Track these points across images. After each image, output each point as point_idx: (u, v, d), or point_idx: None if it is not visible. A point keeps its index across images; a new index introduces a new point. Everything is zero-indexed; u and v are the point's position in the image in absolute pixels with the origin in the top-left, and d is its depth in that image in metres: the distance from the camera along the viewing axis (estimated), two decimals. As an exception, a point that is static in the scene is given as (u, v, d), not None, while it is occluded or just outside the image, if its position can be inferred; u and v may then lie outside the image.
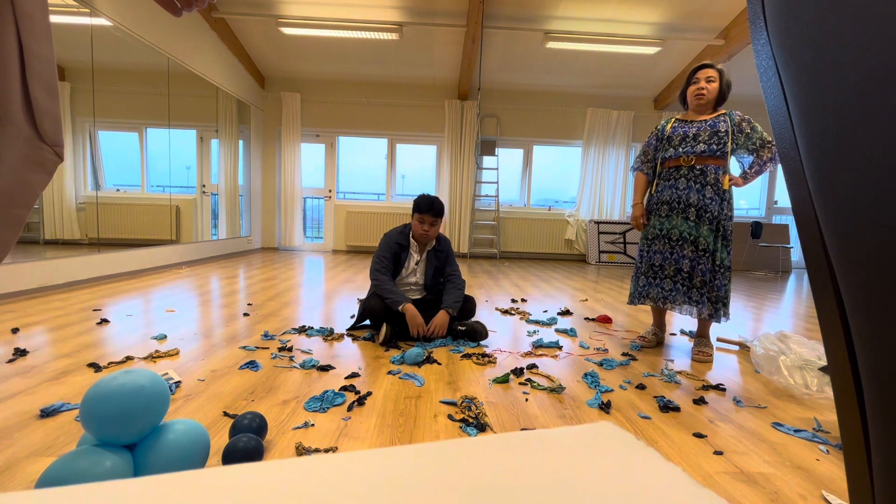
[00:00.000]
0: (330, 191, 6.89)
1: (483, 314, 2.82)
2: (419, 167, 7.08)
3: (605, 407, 1.47)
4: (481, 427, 1.30)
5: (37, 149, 0.56)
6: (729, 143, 1.97)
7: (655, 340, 2.23)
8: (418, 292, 2.36)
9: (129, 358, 1.76)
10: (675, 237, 2.03)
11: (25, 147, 0.54)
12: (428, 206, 2.19)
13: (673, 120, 2.13)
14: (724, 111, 2.03)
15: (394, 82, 6.64)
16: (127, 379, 0.90)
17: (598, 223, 6.72)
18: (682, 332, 2.57)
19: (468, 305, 2.33)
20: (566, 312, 2.93)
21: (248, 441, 1.04)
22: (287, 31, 5.27)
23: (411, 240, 2.32)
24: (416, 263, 2.32)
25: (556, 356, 2.01)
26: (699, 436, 1.31)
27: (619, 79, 6.38)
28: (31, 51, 0.53)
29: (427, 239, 2.28)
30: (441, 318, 2.11)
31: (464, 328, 2.17)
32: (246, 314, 2.60)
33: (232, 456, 1.02)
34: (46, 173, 0.57)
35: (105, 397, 0.86)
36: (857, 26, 0.23)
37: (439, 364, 1.84)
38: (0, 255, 0.54)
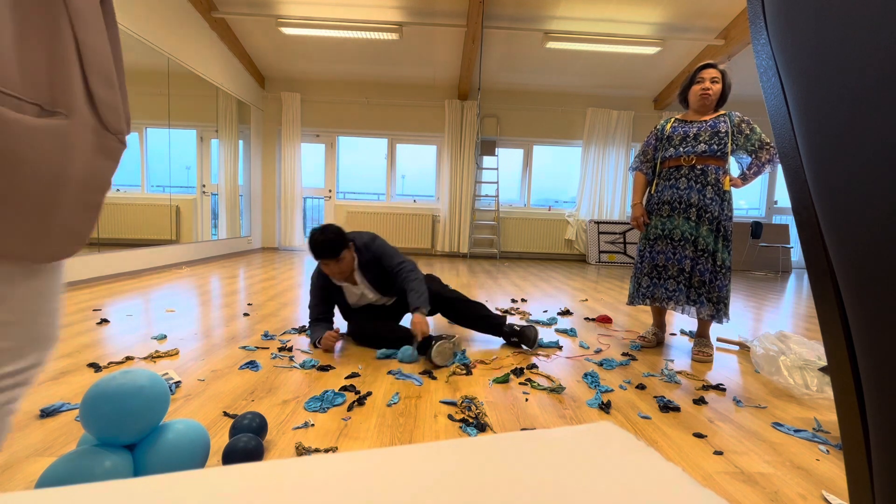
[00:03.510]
0: (330, 191, 6.89)
1: (483, 314, 2.82)
2: (419, 167, 7.09)
3: (605, 407, 1.47)
4: (481, 427, 1.30)
5: (102, 137, 0.58)
6: (729, 144, 1.97)
7: (655, 340, 2.23)
8: (382, 302, 2.18)
9: (129, 358, 1.76)
10: (678, 237, 2.03)
11: (92, 136, 0.57)
12: (316, 253, 1.87)
13: (673, 120, 2.13)
14: (723, 112, 2.03)
15: (394, 82, 6.64)
16: (127, 379, 0.90)
17: (598, 223, 6.72)
18: (682, 332, 2.57)
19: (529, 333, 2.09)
20: (566, 312, 2.93)
21: (248, 441, 1.04)
22: (287, 31, 5.27)
23: (333, 280, 2.05)
24: (357, 288, 2.06)
25: (551, 356, 2.01)
26: (699, 436, 1.31)
27: (619, 79, 6.38)
28: (86, 45, 0.55)
29: (342, 277, 1.99)
30: (417, 318, 1.89)
31: (519, 329, 2.07)
32: (246, 314, 2.60)
33: (232, 456, 1.02)
34: (113, 160, 0.60)
35: (105, 397, 0.86)
36: (856, 26, 0.23)
37: (435, 379, 1.84)
38: (84, 239, 0.58)
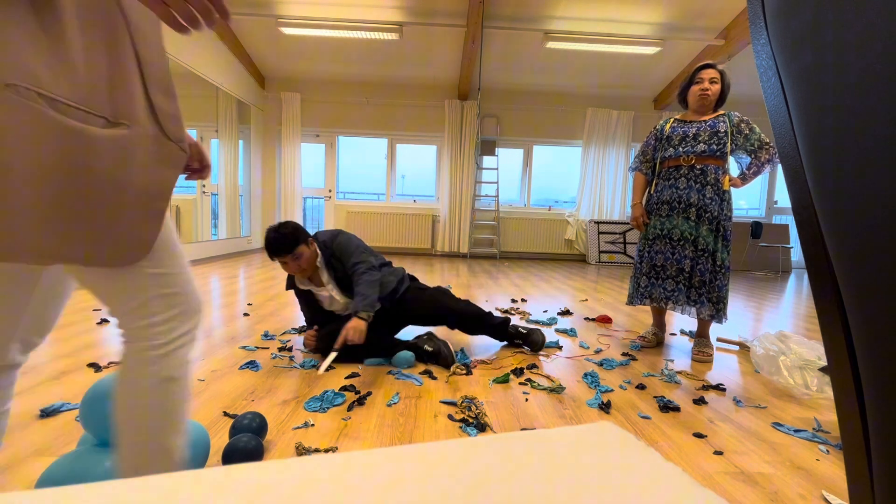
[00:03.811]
0: (330, 191, 6.89)
1: (483, 314, 2.82)
2: (419, 167, 7.09)
3: (605, 407, 1.47)
4: (481, 427, 1.30)
5: (164, 146, 0.61)
6: (728, 144, 1.97)
7: (655, 340, 2.23)
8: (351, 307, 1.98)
9: (129, 358, 1.76)
10: (677, 237, 2.03)
11: (153, 145, 0.60)
12: (269, 249, 1.75)
13: (672, 120, 2.13)
14: (723, 112, 2.03)
15: (394, 82, 6.64)
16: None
17: (597, 223, 6.72)
18: (682, 332, 2.57)
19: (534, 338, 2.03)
20: (566, 312, 2.93)
21: (248, 441, 1.04)
22: (287, 31, 5.27)
23: (296, 283, 1.94)
24: (324, 290, 1.91)
25: (551, 356, 2.01)
26: (699, 436, 1.31)
27: (619, 79, 6.38)
28: (145, 59, 0.60)
29: (304, 276, 1.87)
30: (352, 324, 1.64)
31: (525, 332, 2.04)
32: (246, 314, 2.60)
33: (232, 456, 1.02)
34: (174, 168, 0.63)
35: (105, 397, 0.86)
36: (856, 26, 0.23)
37: (435, 379, 1.84)
38: (148, 245, 0.61)
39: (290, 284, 1.99)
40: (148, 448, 0.66)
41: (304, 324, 2.17)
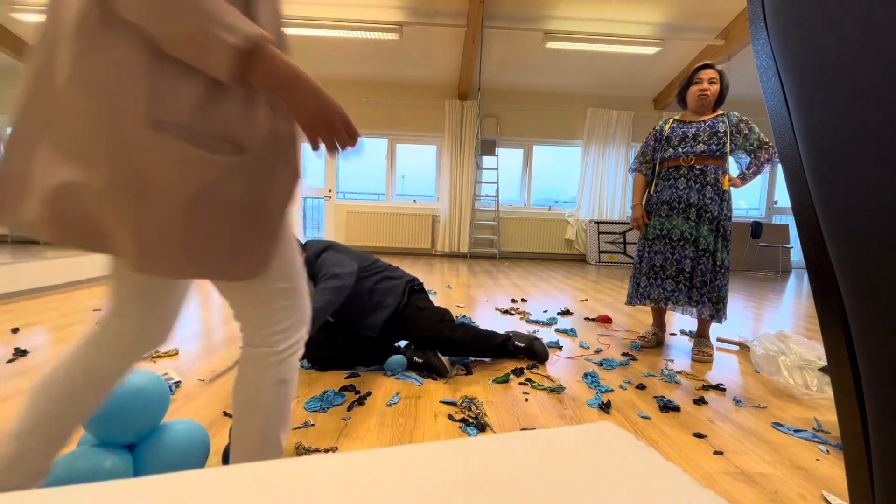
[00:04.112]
0: (330, 191, 6.89)
1: (483, 314, 2.82)
2: (419, 167, 7.09)
3: (605, 407, 1.47)
4: (481, 427, 1.30)
5: (282, 170, 0.67)
6: (728, 144, 1.97)
7: (655, 340, 2.23)
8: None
9: (129, 358, 1.76)
10: (677, 237, 2.03)
11: (273, 169, 0.66)
12: None
13: (671, 121, 2.14)
14: (722, 112, 2.04)
15: (394, 82, 6.64)
16: (126, 379, 0.90)
17: (597, 223, 6.72)
18: (682, 332, 2.57)
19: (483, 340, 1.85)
20: (566, 312, 2.93)
21: None
22: (287, 31, 5.27)
23: None
24: None
25: (551, 356, 2.01)
26: (699, 436, 1.31)
27: (619, 79, 6.38)
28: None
29: None
30: None
31: (524, 346, 1.90)
32: (246, 314, 2.60)
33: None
34: (290, 189, 0.69)
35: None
36: (856, 26, 0.23)
37: (435, 379, 1.83)
38: (269, 259, 0.66)
39: None
40: (260, 440, 0.73)
41: None
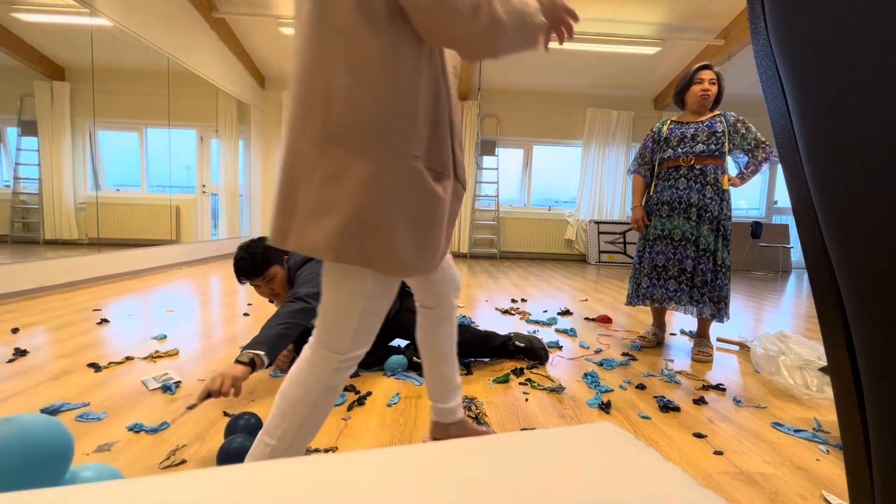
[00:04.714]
0: (330, 191, 6.89)
1: (484, 314, 2.82)
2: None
3: (605, 407, 1.47)
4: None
5: (457, 187, 0.85)
6: (726, 144, 1.98)
7: (655, 340, 2.23)
8: None
9: (129, 358, 1.76)
10: (678, 237, 2.03)
11: (453, 187, 0.83)
12: (239, 274, 1.59)
13: (669, 122, 2.14)
14: (718, 112, 2.05)
15: (394, 82, 6.64)
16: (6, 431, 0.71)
17: (597, 223, 6.72)
18: (682, 332, 2.57)
19: (470, 339, 1.81)
20: (566, 312, 2.93)
21: (242, 442, 1.03)
22: (287, 31, 5.27)
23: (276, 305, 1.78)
24: None
25: (551, 356, 2.01)
26: (699, 436, 1.31)
27: (619, 79, 6.38)
28: (454, 122, 0.83)
29: (278, 300, 1.70)
30: (229, 370, 1.20)
31: (523, 346, 1.88)
32: (246, 314, 2.60)
33: (226, 460, 1.01)
34: (460, 202, 0.88)
35: None
36: (856, 26, 0.23)
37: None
38: (442, 258, 0.84)
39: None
40: (446, 369, 1.08)
41: None
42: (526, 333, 1.99)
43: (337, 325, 0.79)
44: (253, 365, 1.25)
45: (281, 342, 1.36)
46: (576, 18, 0.80)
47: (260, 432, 0.83)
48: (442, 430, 1.15)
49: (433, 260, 0.80)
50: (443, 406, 1.13)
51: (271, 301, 1.83)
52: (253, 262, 1.57)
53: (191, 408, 1.33)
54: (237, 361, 1.23)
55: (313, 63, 0.74)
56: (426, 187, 0.74)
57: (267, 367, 1.32)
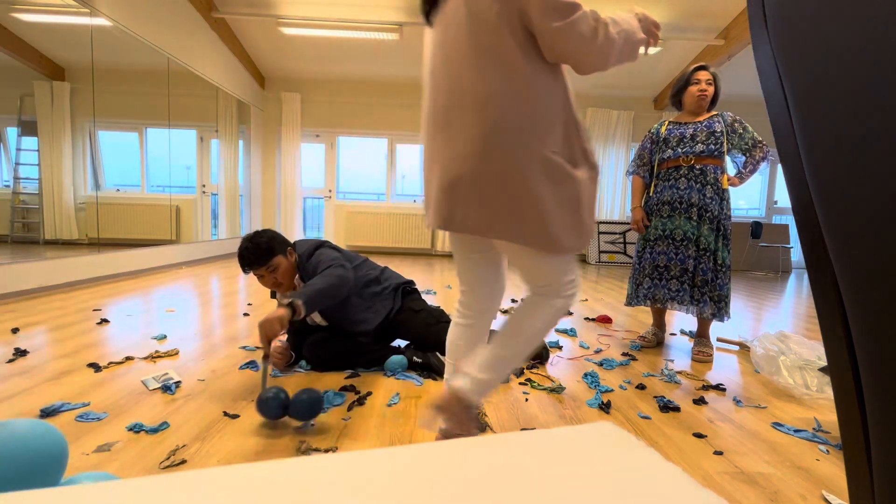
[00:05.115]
0: (330, 191, 6.89)
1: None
2: (419, 167, 7.08)
3: (605, 407, 1.47)
4: (481, 427, 1.30)
5: (593, 172, 0.99)
6: (725, 143, 1.98)
7: (655, 340, 2.23)
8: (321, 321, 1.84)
9: (129, 358, 1.76)
10: (679, 237, 2.03)
11: (589, 174, 0.98)
12: (242, 261, 1.61)
13: (667, 123, 2.14)
14: (716, 112, 2.05)
15: (394, 82, 6.64)
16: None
17: (597, 223, 6.72)
18: (682, 332, 2.57)
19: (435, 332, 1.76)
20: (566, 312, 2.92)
21: (312, 392, 1.23)
22: (287, 31, 5.27)
23: (277, 299, 1.79)
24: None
25: (551, 356, 2.01)
26: (699, 436, 1.31)
27: (619, 79, 6.38)
28: (577, 120, 0.98)
29: (281, 290, 1.71)
30: (271, 314, 1.35)
31: (420, 360, 1.77)
32: (246, 314, 2.60)
33: (297, 405, 1.23)
34: (596, 186, 1.01)
35: None
36: (856, 27, 0.23)
37: (435, 379, 1.84)
38: (590, 238, 1.00)
39: (274, 293, 1.90)
40: (494, 339, 1.05)
41: None
42: None
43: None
44: (293, 309, 1.38)
45: (318, 298, 1.48)
46: (659, 28, 0.99)
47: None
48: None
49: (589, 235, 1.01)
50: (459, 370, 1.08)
51: (273, 295, 1.84)
52: (258, 251, 1.60)
53: (265, 358, 1.37)
54: (279, 305, 1.38)
55: (471, 77, 0.92)
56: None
57: (302, 318, 1.45)
